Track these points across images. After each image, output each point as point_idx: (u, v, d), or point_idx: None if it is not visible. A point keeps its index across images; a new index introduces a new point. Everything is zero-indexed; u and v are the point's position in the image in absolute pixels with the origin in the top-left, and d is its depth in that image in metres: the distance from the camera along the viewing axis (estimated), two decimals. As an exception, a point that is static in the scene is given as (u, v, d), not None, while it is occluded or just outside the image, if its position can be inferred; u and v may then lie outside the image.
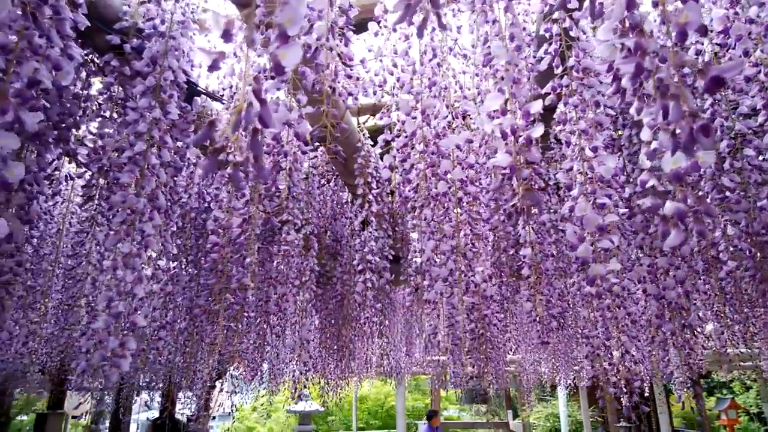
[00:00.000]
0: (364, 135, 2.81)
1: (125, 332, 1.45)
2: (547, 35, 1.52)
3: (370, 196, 2.70)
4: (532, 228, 1.54)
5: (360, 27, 1.84)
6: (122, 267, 1.43)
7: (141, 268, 1.47)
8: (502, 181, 1.21)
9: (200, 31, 2.08)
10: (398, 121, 1.89)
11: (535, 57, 1.62)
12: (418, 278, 2.84)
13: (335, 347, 3.86)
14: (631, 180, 2.12)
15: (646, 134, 1.07)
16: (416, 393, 19.25)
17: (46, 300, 2.98)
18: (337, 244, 3.41)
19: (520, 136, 1.09)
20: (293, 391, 3.40)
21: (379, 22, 1.83)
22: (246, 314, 2.03)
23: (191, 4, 1.81)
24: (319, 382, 4.41)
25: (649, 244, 2.03)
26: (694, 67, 1.17)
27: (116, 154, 1.62)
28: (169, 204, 1.74)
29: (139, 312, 1.51)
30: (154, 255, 1.81)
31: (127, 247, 1.43)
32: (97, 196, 1.80)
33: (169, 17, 1.72)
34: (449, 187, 1.63)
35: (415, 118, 1.59)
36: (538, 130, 1.08)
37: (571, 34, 1.48)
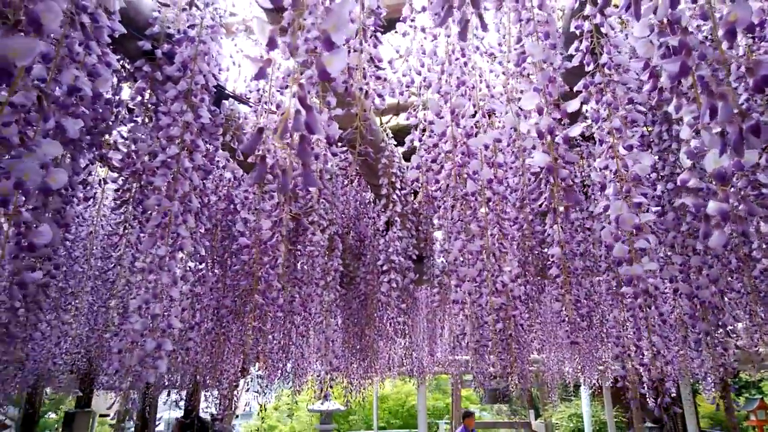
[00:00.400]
0: (387, 135, 2.81)
1: (159, 334, 1.48)
2: (578, 32, 1.50)
3: (394, 196, 2.69)
4: (561, 227, 1.52)
5: (385, 27, 1.84)
6: (157, 269, 1.45)
7: (176, 270, 1.49)
8: (539, 181, 1.20)
9: (227, 35, 2.10)
10: (425, 120, 1.88)
11: (562, 55, 1.60)
12: (444, 278, 2.83)
13: (358, 347, 3.87)
14: (662, 177, 2.08)
15: (686, 133, 1.04)
16: (437, 392, 19.21)
17: (77, 301, 3.04)
18: (361, 244, 3.42)
19: (557, 136, 1.08)
20: (318, 390, 3.42)
21: (405, 22, 1.83)
22: (272, 314, 2.04)
23: (219, 8, 1.83)
24: (342, 382, 4.43)
25: (681, 243, 1.99)
26: (729, 62, 1.15)
27: (149, 158, 1.64)
28: (199, 206, 1.76)
29: (171, 313, 1.53)
30: (184, 257, 1.83)
31: (163, 250, 1.45)
32: (130, 200, 1.83)
33: (198, 22, 1.74)
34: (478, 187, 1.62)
35: (443, 117, 1.59)
36: (576, 130, 1.06)
37: (602, 30, 1.46)
